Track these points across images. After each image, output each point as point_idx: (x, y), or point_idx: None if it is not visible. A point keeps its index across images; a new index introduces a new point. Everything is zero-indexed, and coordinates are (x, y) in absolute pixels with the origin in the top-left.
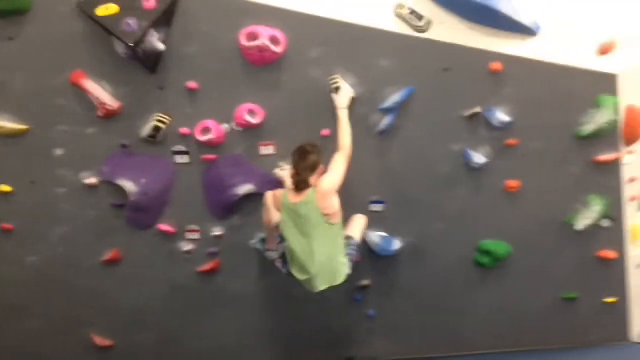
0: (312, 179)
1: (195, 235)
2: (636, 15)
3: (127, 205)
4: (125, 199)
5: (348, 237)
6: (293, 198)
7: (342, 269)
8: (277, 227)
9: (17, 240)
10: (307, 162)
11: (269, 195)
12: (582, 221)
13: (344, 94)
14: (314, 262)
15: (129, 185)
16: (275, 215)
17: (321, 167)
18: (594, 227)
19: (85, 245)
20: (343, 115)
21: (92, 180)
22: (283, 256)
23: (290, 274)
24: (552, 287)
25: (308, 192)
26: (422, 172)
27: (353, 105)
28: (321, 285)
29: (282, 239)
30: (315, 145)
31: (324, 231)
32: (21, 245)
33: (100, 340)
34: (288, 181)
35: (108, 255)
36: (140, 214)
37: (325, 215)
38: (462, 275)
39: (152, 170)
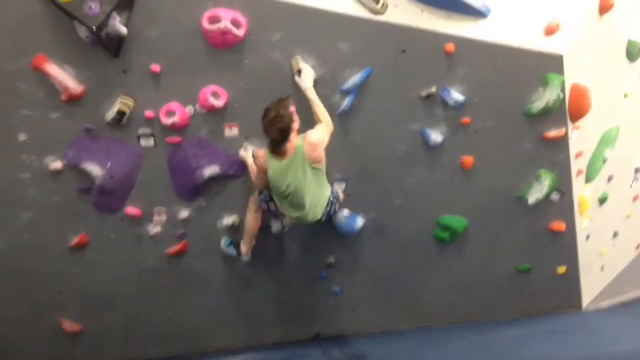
0: (293, 137)
1: (163, 218)
2: None
3: (93, 189)
4: (90, 183)
5: None
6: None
7: (326, 201)
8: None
9: None
10: (278, 127)
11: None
12: (534, 195)
13: (307, 75)
14: (306, 197)
15: (94, 168)
16: (263, 176)
17: (296, 120)
18: (545, 201)
19: (51, 230)
20: (312, 96)
21: (57, 164)
22: (270, 199)
23: (281, 214)
24: (508, 259)
25: (295, 146)
26: (382, 151)
27: (314, 86)
28: (313, 218)
29: (269, 194)
30: (282, 105)
31: (311, 174)
32: None
33: (69, 325)
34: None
35: (75, 240)
36: (107, 197)
37: (313, 162)
38: (422, 250)
39: (117, 154)
